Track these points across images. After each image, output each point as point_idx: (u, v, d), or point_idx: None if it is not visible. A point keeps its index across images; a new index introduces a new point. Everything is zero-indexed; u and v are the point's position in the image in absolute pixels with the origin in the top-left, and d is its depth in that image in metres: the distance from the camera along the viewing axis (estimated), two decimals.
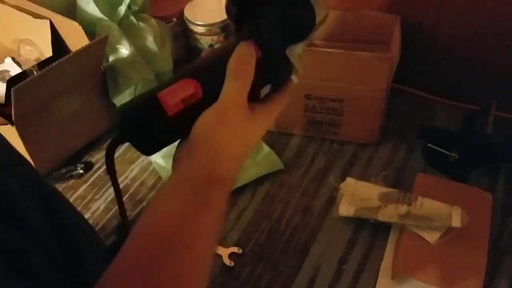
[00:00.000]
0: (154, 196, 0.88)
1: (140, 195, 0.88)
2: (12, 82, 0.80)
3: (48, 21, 0.93)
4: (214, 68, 0.45)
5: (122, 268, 0.38)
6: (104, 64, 0.94)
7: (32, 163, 0.88)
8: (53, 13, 0.92)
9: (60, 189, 0.90)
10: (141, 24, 0.97)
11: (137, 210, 0.85)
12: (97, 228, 0.83)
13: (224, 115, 0.42)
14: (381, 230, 0.79)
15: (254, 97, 0.45)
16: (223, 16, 1.02)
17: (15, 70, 0.94)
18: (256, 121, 0.44)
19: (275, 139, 0.96)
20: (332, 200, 0.85)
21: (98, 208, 0.87)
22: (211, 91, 0.43)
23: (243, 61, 0.43)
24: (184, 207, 0.40)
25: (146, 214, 0.42)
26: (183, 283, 0.39)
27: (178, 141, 0.47)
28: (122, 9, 0.94)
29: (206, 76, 0.45)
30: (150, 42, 0.98)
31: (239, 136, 0.43)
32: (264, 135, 0.47)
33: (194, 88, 0.43)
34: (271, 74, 0.47)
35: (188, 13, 1.05)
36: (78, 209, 0.86)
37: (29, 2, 0.94)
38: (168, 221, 0.40)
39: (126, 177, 0.91)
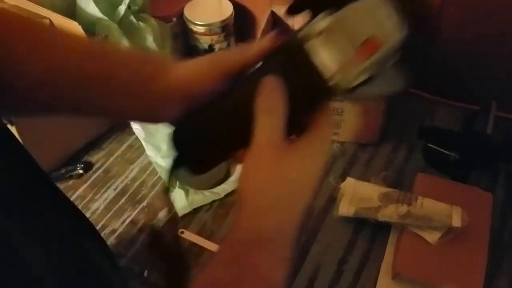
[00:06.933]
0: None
1: (140, 195, 0.88)
2: None
3: (47, 20, 0.93)
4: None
5: None
6: None
7: None
8: (53, 13, 0.92)
9: None
10: (141, 24, 0.97)
11: (137, 210, 0.85)
12: (97, 228, 0.83)
13: (258, 161, 0.39)
14: (381, 230, 0.79)
15: (296, 130, 0.41)
16: (223, 16, 1.02)
17: None
18: (296, 156, 0.39)
19: None
20: (332, 200, 0.85)
21: (98, 208, 0.86)
22: None
23: (270, 96, 0.39)
24: (224, 274, 0.38)
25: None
26: None
27: None
28: (122, 8, 0.94)
29: None
30: (150, 42, 0.97)
31: (278, 180, 0.39)
32: (319, 171, 0.41)
33: None
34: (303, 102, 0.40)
35: (188, 13, 1.05)
36: None
37: (29, 2, 0.94)
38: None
39: (126, 177, 0.91)
